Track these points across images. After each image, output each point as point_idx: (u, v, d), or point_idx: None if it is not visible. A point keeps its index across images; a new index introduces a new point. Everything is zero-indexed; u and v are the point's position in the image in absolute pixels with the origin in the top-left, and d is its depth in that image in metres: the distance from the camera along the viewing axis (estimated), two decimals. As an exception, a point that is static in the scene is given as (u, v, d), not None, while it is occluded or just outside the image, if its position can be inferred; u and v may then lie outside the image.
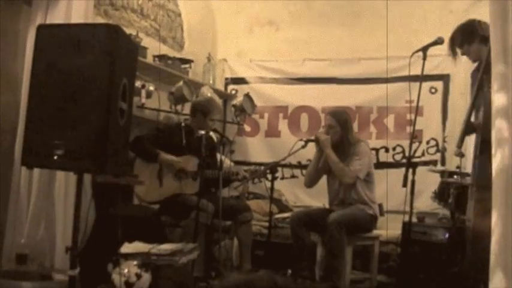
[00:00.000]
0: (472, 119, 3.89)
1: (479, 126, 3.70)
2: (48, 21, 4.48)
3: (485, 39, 3.82)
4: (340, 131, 5.29)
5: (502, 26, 2.56)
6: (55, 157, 2.99)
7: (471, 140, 4.12)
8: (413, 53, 4.25)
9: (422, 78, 4.21)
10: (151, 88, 5.86)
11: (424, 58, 4.17)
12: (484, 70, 3.61)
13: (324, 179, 5.52)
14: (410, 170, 4.17)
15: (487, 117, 3.41)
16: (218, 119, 6.80)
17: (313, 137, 5.35)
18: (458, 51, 4.23)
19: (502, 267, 2.44)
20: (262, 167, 5.42)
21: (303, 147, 5.26)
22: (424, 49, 4.20)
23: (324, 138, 5.24)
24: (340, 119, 5.33)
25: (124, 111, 3.25)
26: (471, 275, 3.48)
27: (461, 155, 3.97)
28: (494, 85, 2.58)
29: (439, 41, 4.19)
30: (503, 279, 2.42)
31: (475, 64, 4.21)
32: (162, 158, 5.17)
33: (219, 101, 5.67)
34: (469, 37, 4.15)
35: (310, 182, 5.55)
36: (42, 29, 3.29)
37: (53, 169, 4.11)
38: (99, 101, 3.02)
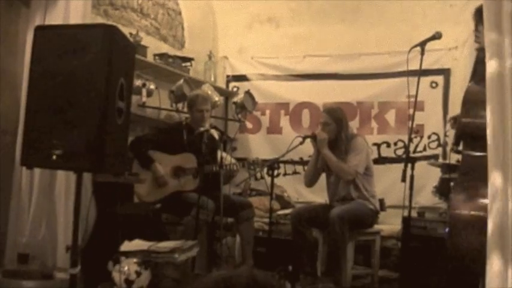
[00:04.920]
0: None
1: None
2: (46, 22, 4.50)
3: None
4: (336, 128, 5.30)
5: None
6: (54, 157, 3.00)
7: None
8: (412, 48, 4.24)
9: (421, 72, 4.20)
10: (152, 87, 5.88)
11: (422, 53, 4.17)
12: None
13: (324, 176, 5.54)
14: (410, 165, 4.17)
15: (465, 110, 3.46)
16: (219, 117, 6.84)
17: (311, 133, 5.37)
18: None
19: (499, 250, 2.44)
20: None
21: (301, 143, 5.25)
22: (422, 44, 4.20)
23: (321, 138, 5.24)
24: (335, 116, 5.34)
25: (122, 110, 3.25)
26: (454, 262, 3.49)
27: (457, 151, 3.98)
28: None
29: (437, 36, 4.19)
30: (500, 262, 2.43)
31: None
32: (154, 167, 5.17)
33: (218, 97, 5.64)
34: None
35: (310, 182, 5.58)
36: (39, 30, 3.29)
37: (52, 169, 4.15)
38: (96, 101, 3.03)
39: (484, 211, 2.74)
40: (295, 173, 7.25)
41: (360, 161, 5.23)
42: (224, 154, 5.13)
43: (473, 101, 3.61)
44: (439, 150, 6.67)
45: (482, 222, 2.77)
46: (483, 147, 2.88)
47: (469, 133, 3.66)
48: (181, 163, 5.23)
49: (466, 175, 3.66)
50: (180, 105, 6.19)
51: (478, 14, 4.10)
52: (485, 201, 2.68)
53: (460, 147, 4.03)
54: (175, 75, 6.28)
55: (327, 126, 5.32)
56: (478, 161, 3.48)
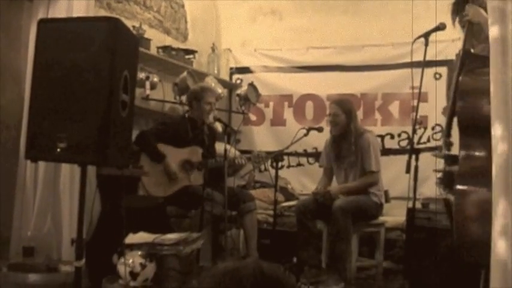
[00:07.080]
0: None
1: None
2: (50, 16, 4.51)
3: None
4: (345, 120, 5.31)
5: None
6: (58, 150, 3.00)
7: None
8: (415, 39, 4.22)
9: (425, 64, 4.19)
10: (156, 79, 5.88)
11: (426, 44, 4.15)
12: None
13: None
14: (414, 156, 4.17)
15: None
16: (222, 109, 6.83)
17: (316, 126, 5.42)
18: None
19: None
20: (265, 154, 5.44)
21: (305, 135, 5.26)
22: (426, 35, 4.18)
23: (334, 193, 5.30)
24: (345, 107, 5.36)
25: (126, 103, 3.25)
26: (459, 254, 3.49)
27: (449, 144, 3.97)
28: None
29: (441, 27, 4.17)
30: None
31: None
32: (166, 163, 5.17)
33: (221, 89, 5.63)
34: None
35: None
36: (42, 23, 3.28)
37: (56, 162, 4.16)
38: (100, 94, 3.02)
39: (487, 201, 2.72)
40: (299, 165, 7.26)
41: (376, 158, 5.33)
42: (228, 146, 5.12)
43: (468, 91, 3.59)
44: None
45: (485, 212, 2.76)
46: (481, 137, 2.87)
47: (467, 123, 3.64)
48: (189, 156, 5.23)
49: (466, 167, 3.65)
50: (183, 98, 6.19)
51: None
52: (488, 191, 2.66)
53: (452, 139, 4.03)
54: (178, 68, 6.28)
55: (336, 118, 5.34)
56: (476, 151, 3.48)
